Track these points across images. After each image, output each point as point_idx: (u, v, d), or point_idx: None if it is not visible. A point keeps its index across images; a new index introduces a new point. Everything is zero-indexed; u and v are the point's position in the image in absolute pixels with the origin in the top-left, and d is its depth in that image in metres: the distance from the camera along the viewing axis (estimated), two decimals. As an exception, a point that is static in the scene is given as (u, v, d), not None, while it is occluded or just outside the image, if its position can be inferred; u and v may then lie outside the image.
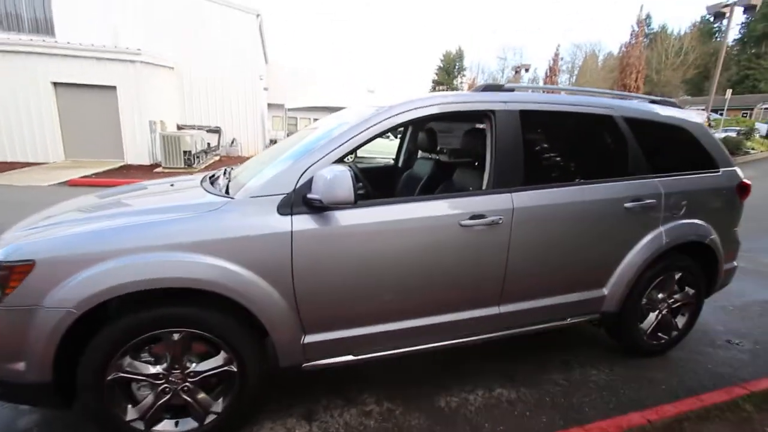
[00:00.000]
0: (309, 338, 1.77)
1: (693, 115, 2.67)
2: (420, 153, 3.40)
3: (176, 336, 1.61)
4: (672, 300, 2.61)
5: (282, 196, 1.68)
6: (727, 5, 15.80)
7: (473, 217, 1.91)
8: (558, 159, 2.33)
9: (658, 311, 2.59)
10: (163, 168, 10.76)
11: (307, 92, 22.60)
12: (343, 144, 1.79)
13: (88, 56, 11.19)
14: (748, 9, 16.25)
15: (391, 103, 1.95)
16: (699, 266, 2.60)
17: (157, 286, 1.50)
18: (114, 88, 11.54)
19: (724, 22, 16.75)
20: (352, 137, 1.80)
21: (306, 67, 26.63)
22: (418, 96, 2.00)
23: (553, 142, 2.35)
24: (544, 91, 2.67)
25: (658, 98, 2.70)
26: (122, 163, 11.67)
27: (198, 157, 11.64)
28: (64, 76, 11.24)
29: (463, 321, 2.02)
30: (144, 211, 1.71)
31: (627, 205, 2.25)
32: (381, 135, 1.87)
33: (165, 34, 13.63)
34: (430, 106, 1.96)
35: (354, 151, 1.83)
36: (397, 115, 1.89)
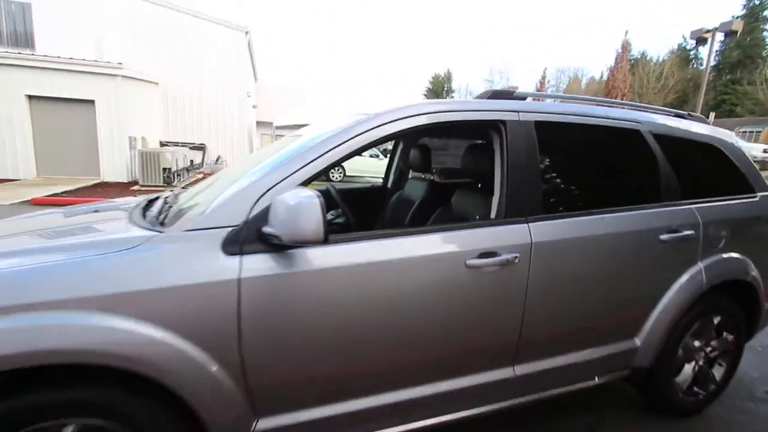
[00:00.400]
0: (263, 423, 1.30)
1: (724, 132, 2.34)
2: (412, 173, 3.01)
3: (70, 428, 1.13)
4: (709, 348, 2.21)
5: (229, 230, 1.24)
6: (708, 31, 16.25)
7: (483, 255, 1.49)
8: (582, 181, 1.94)
9: (694, 362, 2.18)
10: (141, 186, 10.22)
11: (296, 110, 22.39)
12: (313, 161, 1.36)
13: (65, 69, 10.71)
14: (729, 34, 16.76)
15: (378, 110, 1.56)
16: (739, 307, 2.22)
17: (20, 364, 1.02)
18: (92, 102, 11.06)
19: (700, 49, 17.24)
20: (325, 152, 1.38)
21: (296, 86, 26.56)
22: (409, 102, 1.60)
23: (576, 161, 1.97)
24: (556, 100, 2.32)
25: (683, 112, 2.37)
26: (98, 181, 11.08)
27: (179, 174, 11.14)
28: (39, 89, 10.72)
29: (470, 388, 1.57)
30: (25, 251, 1.25)
31: (663, 237, 1.87)
32: (363, 150, 1.46)
33: (150, 50, 13.30)
34: (424, 114, 1.56)
35: (329, 169, 1.41)
36: (383, 125, 1.48)
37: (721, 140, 2.27)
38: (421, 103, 1.63)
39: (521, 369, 1.67)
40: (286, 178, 1.32)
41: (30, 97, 10.73)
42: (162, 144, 13.20)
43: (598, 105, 2.01)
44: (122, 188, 10.05)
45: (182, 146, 12.90)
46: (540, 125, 1.71)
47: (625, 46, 33.22)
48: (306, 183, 1.35)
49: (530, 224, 1.60)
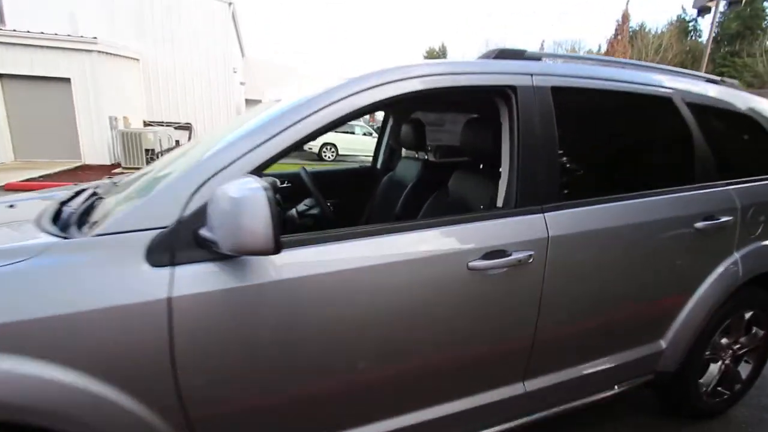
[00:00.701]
0: (215, 473, 1.04)
1: (762, 101, 2.03)
2: (404, 152, 2.69)
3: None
4: (738, 346, 1.98)
5: (156, 233, 0.93)
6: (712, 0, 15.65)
7: (489, 254, 1.20)
8: (607, 161, 1.64)
9: (721, 362, 1.95)
10: (123, 168, 9.79)
11: (286, 88, 21.66)
12: (268, 140, 1.04)
13: (37, 45, 10.07)
14: (732, 4, 16.22)
15: (359, 74, 1.23)
16: (773, 301, 1.97)
17: None
18: (68, 80, 10.45)
19: (699, 20, 16.77)
20: (286, 128, 1.06)
21: (285, 63, 25.63)
22: (397, 65, 1.27)
23: (601, 136, 1.66)
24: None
25: (716, 77, 2.04)
26: (79, 163, 10.61)
27: (163, 155, 10.68)
28: (10, 66, 10.09)
29: (473, 410, 1.32)
30: None
31: (698, 225, 1.59)
32: (338, 125, 1.14)
33: (129, 24, 12.55)
34: (416, 77, 1.23)
35: (290, 150, 1.09)
36: (362, 91, 1.15)
37: (757, 111, 1.96)
38: (412, 65, 1.29)
39: (532, 384, 1.41)
40: (233, 162, 1.00)
41: (1, 75, 10.11)
42: (146, 124, 12.65)
43: (623, 67, 1.68)
44: (104, 171, 9.60)
45: (167, 126, 12.38)
46: (557, 91, 1.38)
47: (626, 17, 32.23)
48: (261, 168, 1.04)
49: (546, 214, 1.30)
